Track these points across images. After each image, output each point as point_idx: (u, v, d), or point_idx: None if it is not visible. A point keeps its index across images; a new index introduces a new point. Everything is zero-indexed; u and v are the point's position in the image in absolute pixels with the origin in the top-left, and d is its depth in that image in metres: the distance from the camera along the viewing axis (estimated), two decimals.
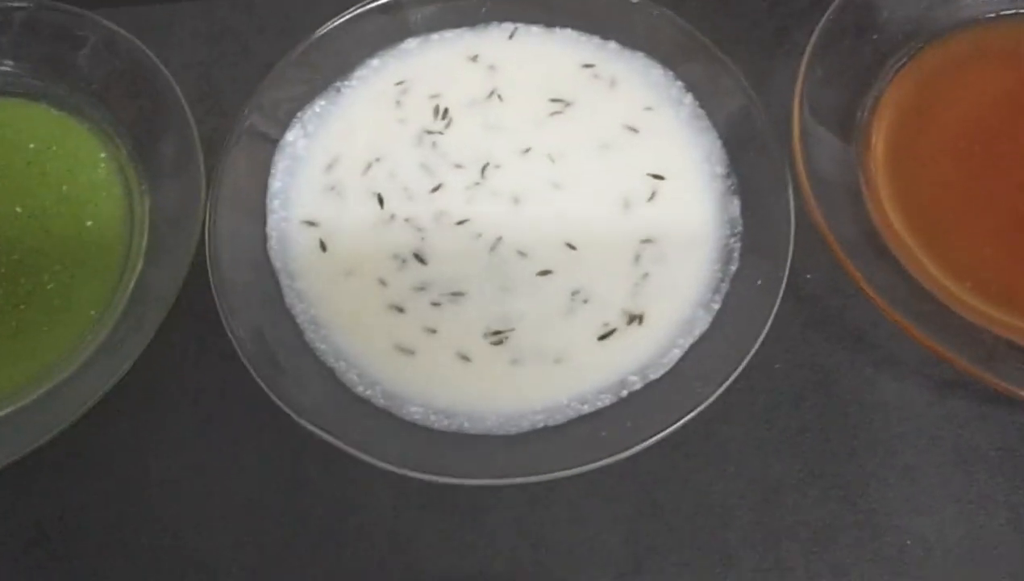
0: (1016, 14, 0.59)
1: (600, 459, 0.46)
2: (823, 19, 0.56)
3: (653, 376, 0.50)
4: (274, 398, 0.48)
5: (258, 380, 0.48)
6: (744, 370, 0.47)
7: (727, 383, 0.47)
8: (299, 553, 0.51)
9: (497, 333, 0.51)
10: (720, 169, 0.54)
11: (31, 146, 0.60)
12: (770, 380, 0.53)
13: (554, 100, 0.57)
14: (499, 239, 0.53)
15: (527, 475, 0.46)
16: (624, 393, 0.50)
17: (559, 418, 0.49)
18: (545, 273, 0.52)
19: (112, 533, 0.52)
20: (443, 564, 0.50)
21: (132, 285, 0.55)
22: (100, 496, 0.52)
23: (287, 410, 0.47)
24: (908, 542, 0.49)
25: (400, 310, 0.52)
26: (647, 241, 0.53)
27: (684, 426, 0.46)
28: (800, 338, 0.54)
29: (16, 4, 0.60)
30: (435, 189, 0.55)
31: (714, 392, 0.47)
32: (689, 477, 0.52)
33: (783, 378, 0.53)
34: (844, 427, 0.52)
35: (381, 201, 0.55)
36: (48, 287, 0.55)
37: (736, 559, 0.50)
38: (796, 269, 0.51)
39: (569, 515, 0.51)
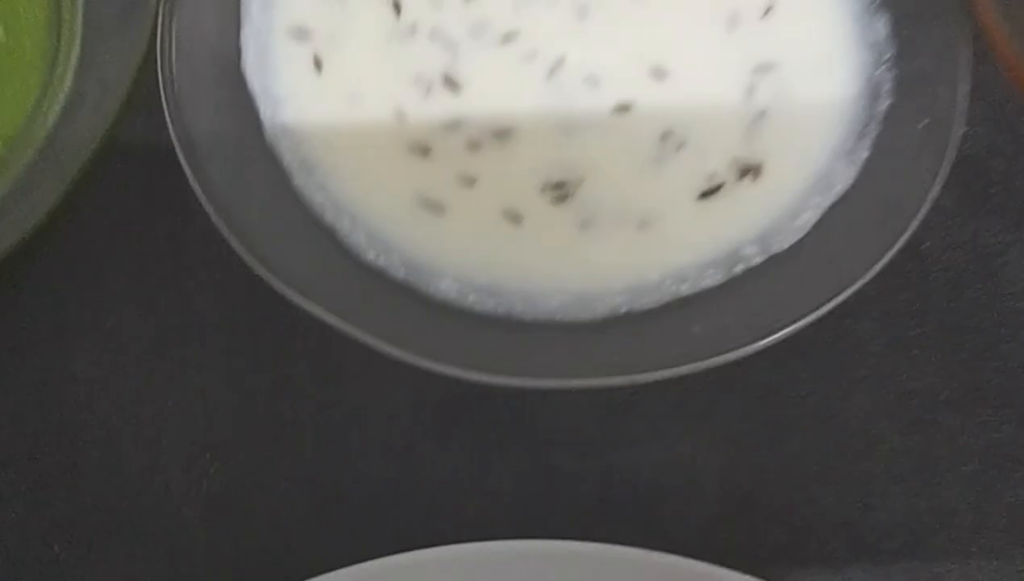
0: None
1: (706, 358, 0.33)
2: None
3: (777, 247, 0.36)
4: (252, 264, 0.34)
5: (230, 239, 0.34)
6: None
7: (885, 259, 0.34)
8: (281, 477, 0.38)
9: (559, 185, 0.37)
10: None
11: None
12: (917, 263, 0.40)
13: None
14: (561, 60, 0.39)
15: (599, 377, 0.33)
16: (738, 269, 0.36)
17: (647, 301, 0.36)
18: (624, 108, 0.38)
19: (18, 447, 0.38)
20: (477, 494, 0.37)
21: (55, 112, 0.40)
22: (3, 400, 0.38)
23: (271, 280, 0.34)
24: None
25: (425, 152, 0.38)
26: (763, 68, 0.39)
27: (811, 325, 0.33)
28: (955, 211, 0.41)
29: None
30: None
31: (865, 272, 0.34)
32: (813, 390, 0.39)
33: (934, 261, 0.40)
34: (1016, 327, 0.39)
35: (397, 7, 0.40)
36: None
37: (882, 497, 0.37)
38: None
39: (651, 435, 0.38)
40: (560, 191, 0.37)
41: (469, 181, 0.38)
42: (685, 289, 0.36)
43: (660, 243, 0.37)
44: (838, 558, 0.36)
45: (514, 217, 0.37)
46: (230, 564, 0.37)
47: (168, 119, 0.36)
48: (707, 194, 0.37)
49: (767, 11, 0.40)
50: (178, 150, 0.36)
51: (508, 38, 0.40)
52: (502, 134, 0.38)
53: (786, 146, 0.38)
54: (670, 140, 0.38)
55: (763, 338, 0.33)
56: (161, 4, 0.38)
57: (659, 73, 0.39)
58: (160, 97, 0.37)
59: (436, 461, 0.37)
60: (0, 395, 0.38)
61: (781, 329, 0.33)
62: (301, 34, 0.40)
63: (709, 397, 0.38)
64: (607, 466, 0.37)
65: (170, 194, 0.40)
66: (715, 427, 0.38)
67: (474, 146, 0.38)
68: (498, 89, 0.39)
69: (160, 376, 0.38)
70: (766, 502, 0.37)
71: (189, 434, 0.38)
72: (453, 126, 0.39)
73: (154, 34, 0.38)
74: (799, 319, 0.33)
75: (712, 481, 0.37)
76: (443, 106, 0.39)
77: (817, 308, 0.33)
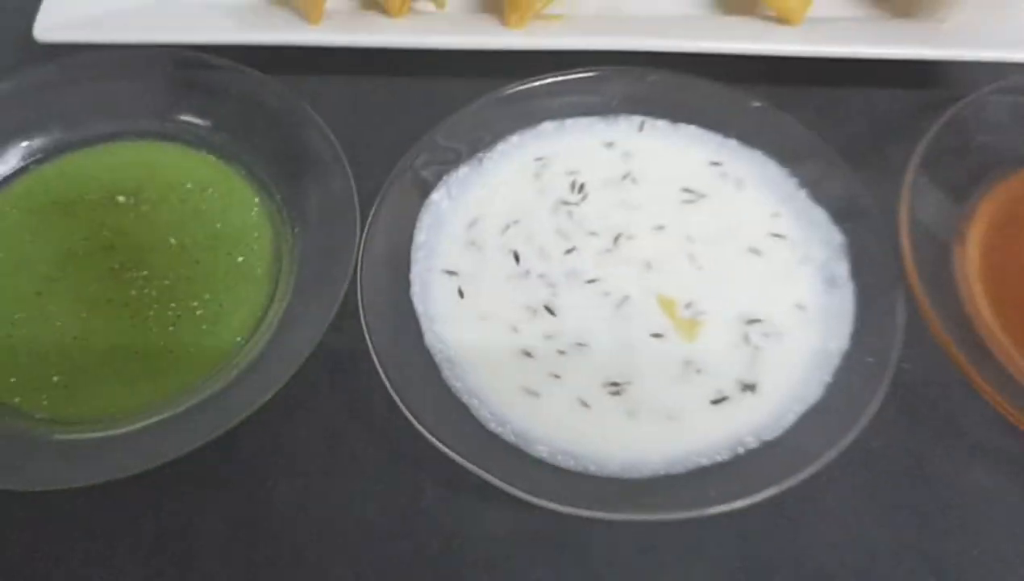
0: None
1: (713, 505, 0.49)
2: (925, 138, 0.60)
3: (768, 437, 0.53)
4: (414, 422, 0.51)
5: (402, 407, 0.51)
6: (845, 448, 0.50)
7: (841, 445, 0.50)
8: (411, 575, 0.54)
9: (615, 384, 0.55)
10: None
11: (187, 186, 0.64)
12: (868, 457, 0.56)
13: (686, 190, 0.62)
14: (626, 298, 0.58)
15: (645, 513, 0.50)
16: (740, 450, 0.53)
17: (678, 468, 0.52)
18: (658, 336, 0.57)
19: (232, 546, 0.54)
20: None
21: (279, 318, 0.58)
22: (224, 512, 0.55)
23: (429, 436, 0.50)
24: None
25: (529, 355, 0.56)
26: (753, 321, 0.57)
27: (790, 492, 0.49)
28: (896, 421, 0.57)
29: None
30: (569, 251, 0.60)
31: (827, 453, 0.50)
32: (792, 539, 0.54)
33: (880, 456, 0.56)
34: (937, 507, 0.55)
35: (517, 258, 0.60)
36: (197, 313, 0.59)
37: None
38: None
39: (675, 564, 0.54)
40: (615, 388, 0.55)
41: (556, 376, 0.56)
42: (703, 461, 0.53)
43: (683, 432, 0.54)
44: None
45: (584, 403, 0.55)
46: None
47: (366, 333, 0.54)
48: (717, 402, 0.55)
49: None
50: (373, 355, 0.53)
51: (591, 282, 0.59)
52: (580, 346, 0.57)
53: (776, 373, 0.56)
54: (691, 367, 0.56)
55: (758, 492, 0.49)
56: (358, 252, 0.57)
57: (691, 315, 0.57)
58: (354, 317, 0.55)
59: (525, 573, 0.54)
60: (221, 512, 0.55)
61: (771, 487, 0.49)
62: (451, 273, 0.59)
63: (717, 540, 0.54)
64: None
65: (349, 382, 0.58)
66: (721, 562, 0.53)
67: (562, 352, 0.57)
68: (582, 315, 0.58)
69: (333, 505, 0.55)
70: None
71: (351, 542, 0.54)
72: (549, 338, 0.57)
73: (354, 273, 0.56)
74: (783, 481, 0.49)
75: None
76: (543, 324, 0.57)
77: (787, 479, 0.49)
